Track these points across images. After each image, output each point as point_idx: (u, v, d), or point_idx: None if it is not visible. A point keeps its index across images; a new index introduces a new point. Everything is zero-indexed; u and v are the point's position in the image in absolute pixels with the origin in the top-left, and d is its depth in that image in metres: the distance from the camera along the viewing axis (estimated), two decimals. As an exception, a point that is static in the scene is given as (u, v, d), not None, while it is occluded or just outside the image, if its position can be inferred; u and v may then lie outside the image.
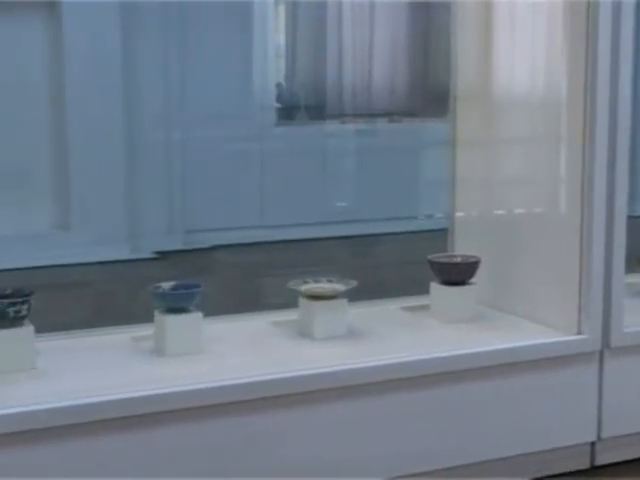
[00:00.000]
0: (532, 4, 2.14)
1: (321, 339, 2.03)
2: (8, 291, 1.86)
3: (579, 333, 2.06)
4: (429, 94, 5.23)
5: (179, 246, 4.41)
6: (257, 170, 4.68)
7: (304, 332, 2.07)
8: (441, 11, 4.79)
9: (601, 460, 2.12)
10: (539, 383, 2.03)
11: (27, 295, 1.85)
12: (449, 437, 1.96)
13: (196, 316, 1.95)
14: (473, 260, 2.21)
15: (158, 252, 4.29)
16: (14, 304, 1.81)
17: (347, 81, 5.14)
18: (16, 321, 1.82)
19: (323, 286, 2.10)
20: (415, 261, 2.47)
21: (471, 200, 2.38)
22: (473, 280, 2.21)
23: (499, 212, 2.28)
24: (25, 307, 1.83)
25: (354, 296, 2.11)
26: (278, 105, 4.96)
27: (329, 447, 1.86)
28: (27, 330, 1.83)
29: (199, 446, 1.75)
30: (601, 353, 2.08)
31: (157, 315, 1.95)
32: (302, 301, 2.09)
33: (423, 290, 2.27)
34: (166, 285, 1.98)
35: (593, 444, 2.12)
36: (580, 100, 2.01)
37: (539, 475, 2.06)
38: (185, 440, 1.74)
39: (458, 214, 2.40)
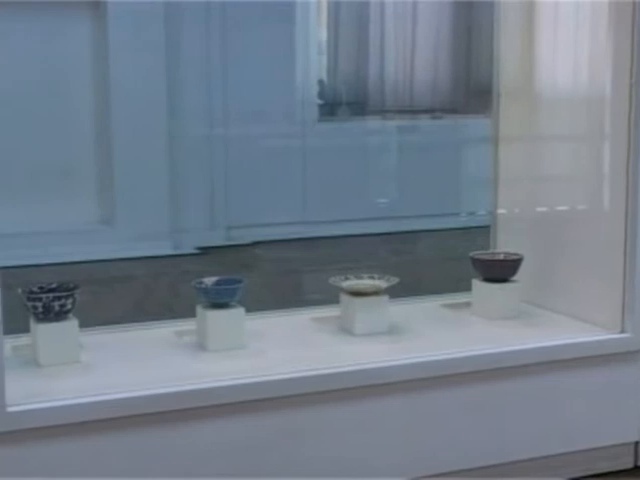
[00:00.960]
0: (576, 1, 2.13)
1: (361, 335, 2.03)
2: (53, 285, 1.89)
3: (622, 331, 2.05)
4: (471, 90, 5.21)
5: (221, 242, 4.43)
6: (299, 166, 4.69)
7: (345, 328, 2.07)
8: (483, 7, 4.76)
9: (645, 460, 2.11)
10: (581, 381, 2.02)
11: (72, 289, 1.87)
12: (489, 435, 1.95)
13: (238, 311, 1.96)
14: (516, 257, 2.20)
15: (200, 248, 4.32)
16: (59, 298, 1.83)
17: (389, 77, 5.13)
18: (61, 315, 1.85)
19: (364, 282, 2.10)
20: (456, 258, 2.46)
21: (513, 197, 2.36)
22: (515, 277, 2.19)
23: (542, 209, 2.27)
24: (70, 301, 1.85)
25: (395, 293, 2.11)
26: (320, 102, 4.96)
27: (368, 443, 1.86)
28: (72, 324, 1.86)
29: (239, 441, 1.76)
30: (645, 352, 2.06)
31: (199, 310, 1.97)
32: (343, 297, 2.09)
33: (464, 287, 2.27)
34: (209, 280, 1.99)
35: (637, 444, 2.10)
36: (625, 97, 1.99)
37: (581, 475, 2.04)
38: (225, 435, 1.76)
39: (500, 211, 2.39)
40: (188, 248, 4.29)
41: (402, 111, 5.15)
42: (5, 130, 3.94)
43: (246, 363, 1.87)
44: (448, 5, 5.24)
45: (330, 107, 5.02)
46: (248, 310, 1.98)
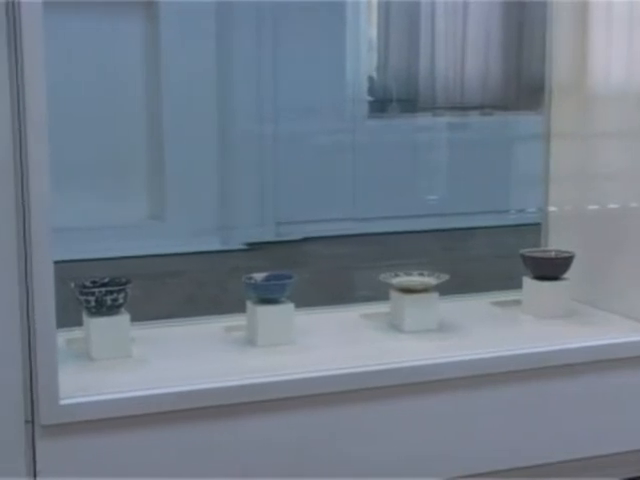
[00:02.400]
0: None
1: (411, 332, 2.03)
2: (105, 280, 1.91)
3: (676, 331, 2.02)
4: (522, 87, 5.17)
5: (270, 238, 4.45)
6: (349, 163, 4.69)
7: (394, 325, 2.07)
8: (535, 3, 4.72)
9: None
10: (633, 381, 2.00)
11: (124, 284, 1.89)
12: (539, 434, 1.94)
13: (288, 307, 1.97)
14: (567, 255, 2.18)
15: (249, 243, 4.34)
16: (111, 292, 1.86)
17: (439, 74, 5.11)
18: (113, 309, 1.87)
19: (414, 279, 2.10)
20: (506, 256, 2.45)
21: (565, 194, 2.34)
22: (566, 275, 2.18)
23: (594, 207, 2.25)
24: (122, 296, 1.87)
25: (445, 290, 2.10)
26: (370, 98, 4.96)
27: (416, 440, 1.86)
28: (123, 318, 1.88)
29: (289, 437, 1.77)
30: (698, 352, 2.03)
31: (249, 305, 1.98)
32: (393, 294, 2.09)
33: (514, 285, 2.25)
34: (258, 276, 2.00)
35: (690, 444, 2.07)
36: (680, 93, 1.97)
37: (635, 474, 2.02)
38: (274, 430, 1.76)
39: (551, 208, 2.37)
40: (237, 244, 4.32)
41: (452, 108, 5.12)
42: (61, 128, 4.00)
43: (295, 359, 1.88)
44: (499, 1, 5.21)
45: (380, 104, 5.01)
46: (297, 306, 1.98)
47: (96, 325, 1.85)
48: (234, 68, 4.36)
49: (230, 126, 4.38)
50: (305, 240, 4.42)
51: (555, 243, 2.33)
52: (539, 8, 2.41)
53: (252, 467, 1.76)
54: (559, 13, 2.30)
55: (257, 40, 4.41)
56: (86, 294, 1.86)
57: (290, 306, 1.97)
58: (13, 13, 1.53)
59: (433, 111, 5.09)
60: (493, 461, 1.91)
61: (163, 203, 4.30)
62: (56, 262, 1.62)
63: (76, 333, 1.94)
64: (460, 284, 2.25)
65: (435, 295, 2.07)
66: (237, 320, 2.05)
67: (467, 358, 1.88)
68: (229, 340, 2.00)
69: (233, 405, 1.73)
